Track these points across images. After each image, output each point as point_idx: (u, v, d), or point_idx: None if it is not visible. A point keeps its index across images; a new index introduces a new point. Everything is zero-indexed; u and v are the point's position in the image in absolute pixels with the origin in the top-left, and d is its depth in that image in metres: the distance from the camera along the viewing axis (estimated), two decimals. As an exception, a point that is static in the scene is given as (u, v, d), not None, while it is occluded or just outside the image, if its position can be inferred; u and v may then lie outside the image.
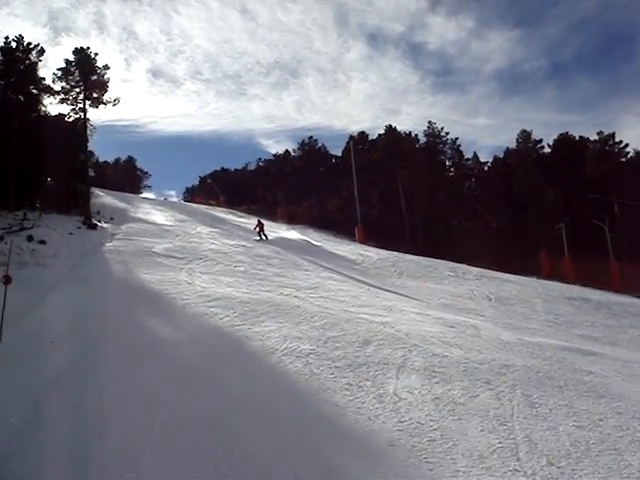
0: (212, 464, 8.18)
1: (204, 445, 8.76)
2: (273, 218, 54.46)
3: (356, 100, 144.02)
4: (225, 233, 37.36)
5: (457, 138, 68.13)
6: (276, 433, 9.30)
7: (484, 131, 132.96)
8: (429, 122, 68.22)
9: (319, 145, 75.40)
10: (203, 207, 58.71)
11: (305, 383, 11.67)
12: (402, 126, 76.78)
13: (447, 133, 67.61)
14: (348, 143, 65.60)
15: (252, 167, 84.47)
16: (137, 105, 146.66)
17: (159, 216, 42.84)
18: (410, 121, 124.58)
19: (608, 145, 62.74)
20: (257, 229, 38.23)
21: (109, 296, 18.96)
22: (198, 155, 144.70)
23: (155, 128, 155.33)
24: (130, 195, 58.34)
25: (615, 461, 8.91)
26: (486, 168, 68.59)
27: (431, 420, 10.05)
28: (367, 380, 11.98)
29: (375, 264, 32.35)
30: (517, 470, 8.33)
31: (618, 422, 10.69)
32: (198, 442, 8.85)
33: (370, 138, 70.85)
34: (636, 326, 23.64)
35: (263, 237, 37.39)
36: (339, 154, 73.01)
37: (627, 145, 62.69)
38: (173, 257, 25.99)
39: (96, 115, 43.95)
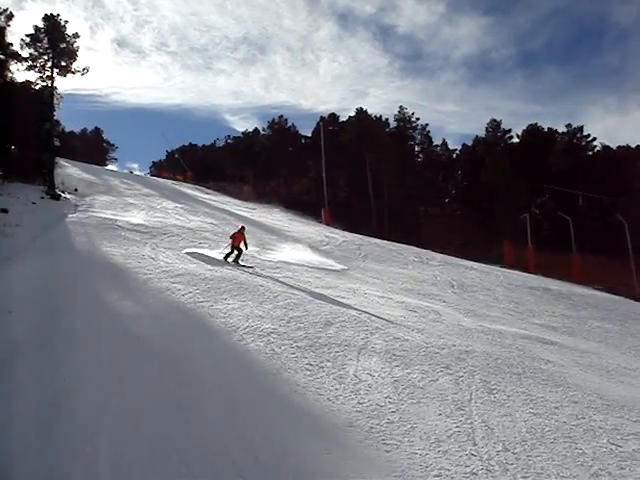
0: (169, 441, 8.12)
1: (162, 422, 8.70)
2: (240, 196, 54.17)
3: (324, 80, 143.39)
4: (191, 209, 37.00)
5: (427, 124, 68.36)
6: (235, 411, 9.27)
7: (451, 117, 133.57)
8: (400, 107, 68.45)
9: (289, 125, 75.10)
10: (169, 182, 58.07)
11: (266, 362, 11.64)
12: (369, 109, 76.86)
13: (417, 119, 67.77)
14: (318, 124, 65.43)
15: (220, 144, 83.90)
16: (101, 75, 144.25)
17: (124, 189, 42.31)
18: (377, 104, 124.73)
19: (576, 138, 63.38)
20: (231, 241, 23.03)
21: (71, 268, 18.69)
22: (161, 128, 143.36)
23: (118, 99, 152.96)
24: (95, 167, 57.54)
25: (569, 449, 9.04)
26: (455, 155, 68.87)
27: (390, 402, 10.11)
28: (328, 361, 11.99)
29: (340, 246, 32.32)
30: (473, 454, 8.41)
31: (574, 411, 10.86)
32: (156, 418, 8.78)
33: (340, 120, 70.69)
34: (595, 317, 23.99)
35: (233, 254, 22.74)
36: (307, 134, 72.85)
37: (595, 139, 63.44)
38: (137, 231, 25.68)
39: (60, 83, 42.86)
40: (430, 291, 24.04)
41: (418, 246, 37.60)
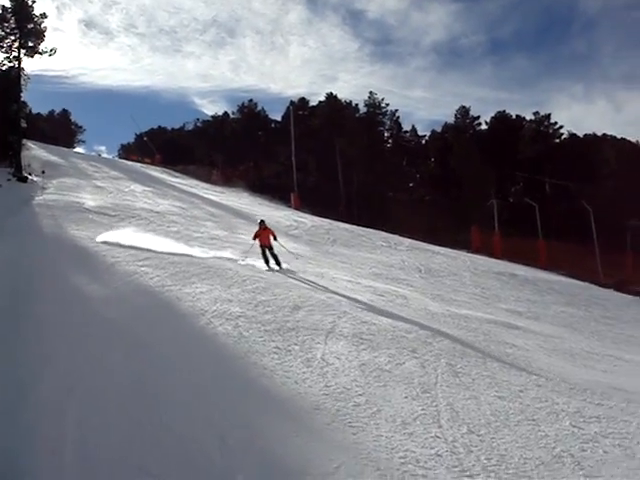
0: (136, 425, 8.12)
1: (129, 405, 8.69)
2: (209, 180, 53.87)
3: (293, 64, 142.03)
4: (159, 192, 36.73)
5: (397, 110, 68.32)
6: (203, 394, 9.28)
7: (420, 104, 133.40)
8: (370, 92, 68.19)
9: (259, 109, 74.62)
10: (138, 165, 57.45)
11: (234, 346, 11.66)
12: (339, 94, 76.57)
13: (387, 104, 67.74)
14: (288, 108, 65.14)
15: (190, 127, 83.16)
16: (68, 56, 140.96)
17: (92, 172, 41.83)
18: (347, 89, 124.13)
19: (543, 126, 63.89)
20: (257, 239, 20.76)
21: (38, 251, 18.54)
22: (130, 111, 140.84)
23: (86, 81, 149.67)
24: (63, 149, 56.70)
25: (533, 431, 9.18)
26: (424, 141, 69.06)
27: (357, 386, 10.18)
28: (296, 344, 12.03)
29: (309, 231, 32.34)
30: (438, 437, 8.51)
31: (537, 394, 11.02)
32: (123, 402, 8.77)
33: (310, 104, 70.46)
34: (559, 302, 24.34)
35: (272, 262, 20.32)
36: (277, 118, 72.48)
37: (562, 127, 64.03)
38: (105, 214, 25.50)
39: (27, 64, 42.23)
40: (398, 276, 24.20)
41: (386, 231, 37.68)
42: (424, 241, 36.21)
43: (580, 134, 65.00)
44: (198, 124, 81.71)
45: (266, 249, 20.24)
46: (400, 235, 36.44)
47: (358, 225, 38.68)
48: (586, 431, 9.40)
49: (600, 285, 33.00)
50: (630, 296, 30.57)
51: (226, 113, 78.43)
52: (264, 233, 20.58)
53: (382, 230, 37.91)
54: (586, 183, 52.53)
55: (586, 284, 32.10)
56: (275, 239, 20.64)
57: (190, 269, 17.37)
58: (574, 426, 9.57)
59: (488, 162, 55.57)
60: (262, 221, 21.59)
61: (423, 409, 9.48)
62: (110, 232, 21.60)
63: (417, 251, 31.50)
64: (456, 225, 48.85)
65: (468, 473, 7.47)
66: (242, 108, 74.56)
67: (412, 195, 64.32)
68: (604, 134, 65.06)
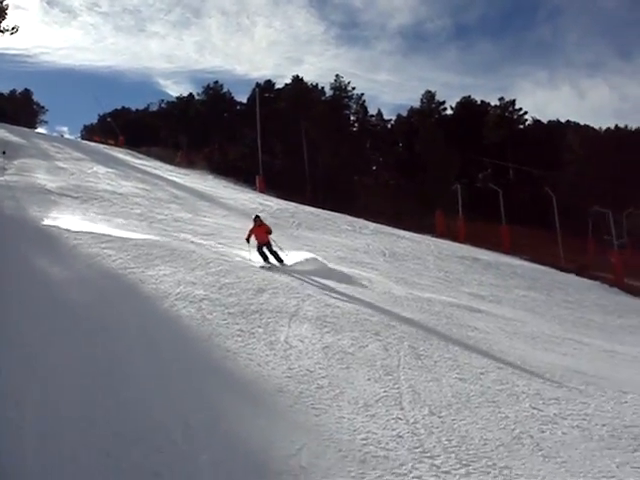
0: (98, 408, 8.04)
1: (90, 388, 8.58)
2: (173, 162, 53.45)
3: (259, 46, 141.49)
4: (122, 174, 36.25)
5: (362, 94, 68.46)
6: (166, 377, 9.21)
7: (386, 87, 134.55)
8: (336, 75, 68.25)
9: (224, 90, 74.21)
10: (101, 146, 56.61)
11: (197, 328, 11.61)
12: (305, 76, 76.40)
13: (353, 88, 67.79)
14: (254, 90, 64.85)
15: (154, 108, 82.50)
16: (29, 34, 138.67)
17: (54, 153, 41.21)
18: (312, 72, 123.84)
19: (508, 111, 64.50)
20: (252, 235, 19.02)
21: (-2, 232, 18.23)
22: (93, 91, 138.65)
23: (48, 60, 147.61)
24: (25, 129, 55.69)
25: (493, 413, 9.32)
26: (389, 126, 69.27)
27: (320, 368, 10.21)
28: (259, 327, 12.02)
29: (274, 214, 32.19)
30: (400, 418, 8.58)
31: (498, 376, 11.18)
32: (85, 385, 8.66)
33: (276, 87, 70.25)
34: (521, 286, 24.66)
35: (272, 259, 18.76)
36: (242, 100, 72.20)
37: (526, 113, 64.70)
38: (67, 196, 25.13)
39: (-16, 43, 41.71)
40: (362, 259, 24.29)
41: (352, 215, 37.78)
42: (389, 225, 36.38)
43: (544, 120, 65.85)
44: (162, 105, 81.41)
45: (263, 246, 18.66)
46: (365, 219, 36.56)
47: (323, 209, 38.67)
48: (545, 413, 9.57)
49: (562, 270, 33.45)
50: (590, 281, 31.09)
51: (191, 94, 78.18)
52: (259, 230, 18.91)
53: (347, 214, 37.96)
54: (549, 169, 53.20)
55: (548, 269, 32.58)
56: (270, 233, 18.96)
57: (153, 251, 17.20)
58: (534, 408, 9.73)
59: (453, 147, 56.02)
60: (257, 217, 19.68)
61: (385, 391, 9.55)
62: (71, 214, 21.34)
63: (382, 235, 31.62)
64: (421, 209, 49.23)
65: (429, 454, 7.55)
66: (207, 89, 74.28)
67: (377, 179, 64.60)
68: (568, 121, 66.16)
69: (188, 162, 56.20)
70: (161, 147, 64.71)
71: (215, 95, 73.17)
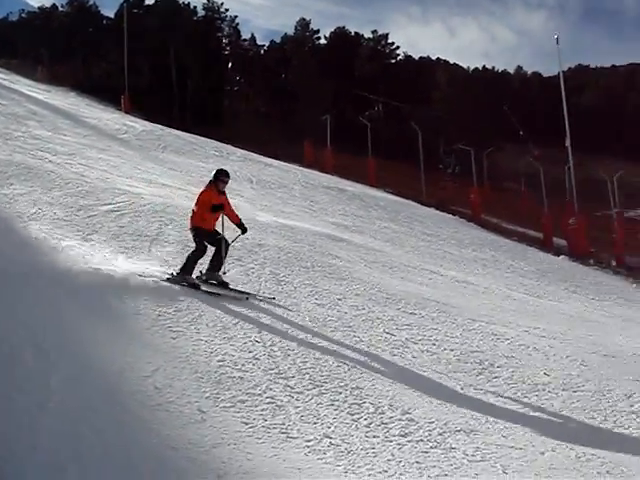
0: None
1: None
2: (33, 77, 50.58)
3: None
4: (-24, 87, 34.12)
5: (236, 16, 66.93)
6: (13, 296, 8.83)
7: (259, 11, 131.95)
8: (209, -5, 66.20)
9: (90, 3, 70.55)
10: (-47, 57, 53.11)
11: (52, 249, 11.17)
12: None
13: (227, 10, 66.10)
14: (122, 5, 62.03)
15: (14, 18, 77.42)
16: None
17: None
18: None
19: (380, 45, 64.92)
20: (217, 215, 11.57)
21: None
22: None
23: None
24: None
25: (348, 337, 9.62)
26: (262, 52, 68.32)
27: (179, 291, 10.14)
28: (119, 252, 11.77)
29: (139, 136, 31.22)
30: (257, 341, 8.68)
31: (355, 302, 11.52)
32: None
33: (145, 3, 67.46)
34: (383, 218, 25.21)
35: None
36: (109, 15, 69.01)
37: (398, 47, 65.32)
38: None
39: None
40: (228, 185, 24.02)
41: (220, 140, 37.24)
42: (257, 153, 36.12)
43: (416, 56, 66.77)
44: (23, 15, 76.21)
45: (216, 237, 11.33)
46: (233, 145, 36.15)
47: (191, 133, 37.88)
48: (397, 337, 9.97)
49: (422, 204, 34.38)
50: (449, 215, 32.21)
51: (54, 5, 73.61)
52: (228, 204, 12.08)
53: (215, 139, 37.38)
54: (417, 105, 54.23)
55: (410, 202, 33.38)
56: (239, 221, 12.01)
57: (8, 169, 16.35)
58: (387, 332, 10.12)
59: (325, 77, 55.97)
60: (223, 173, 12.32)
61: (244, 315, 9.63)
62: None
63: (249, 162, 31.38)
64: (290, 138, 49.09)
65: (284, 375, 7.70)
66: (72, 1, 70.21)
67: (248, 106, 63.78)
68: (438, 58, 67.30)
69: (50, 78, 53.25)
70: (20, 60, 61.00)
71: (80, 7, 69.41)
